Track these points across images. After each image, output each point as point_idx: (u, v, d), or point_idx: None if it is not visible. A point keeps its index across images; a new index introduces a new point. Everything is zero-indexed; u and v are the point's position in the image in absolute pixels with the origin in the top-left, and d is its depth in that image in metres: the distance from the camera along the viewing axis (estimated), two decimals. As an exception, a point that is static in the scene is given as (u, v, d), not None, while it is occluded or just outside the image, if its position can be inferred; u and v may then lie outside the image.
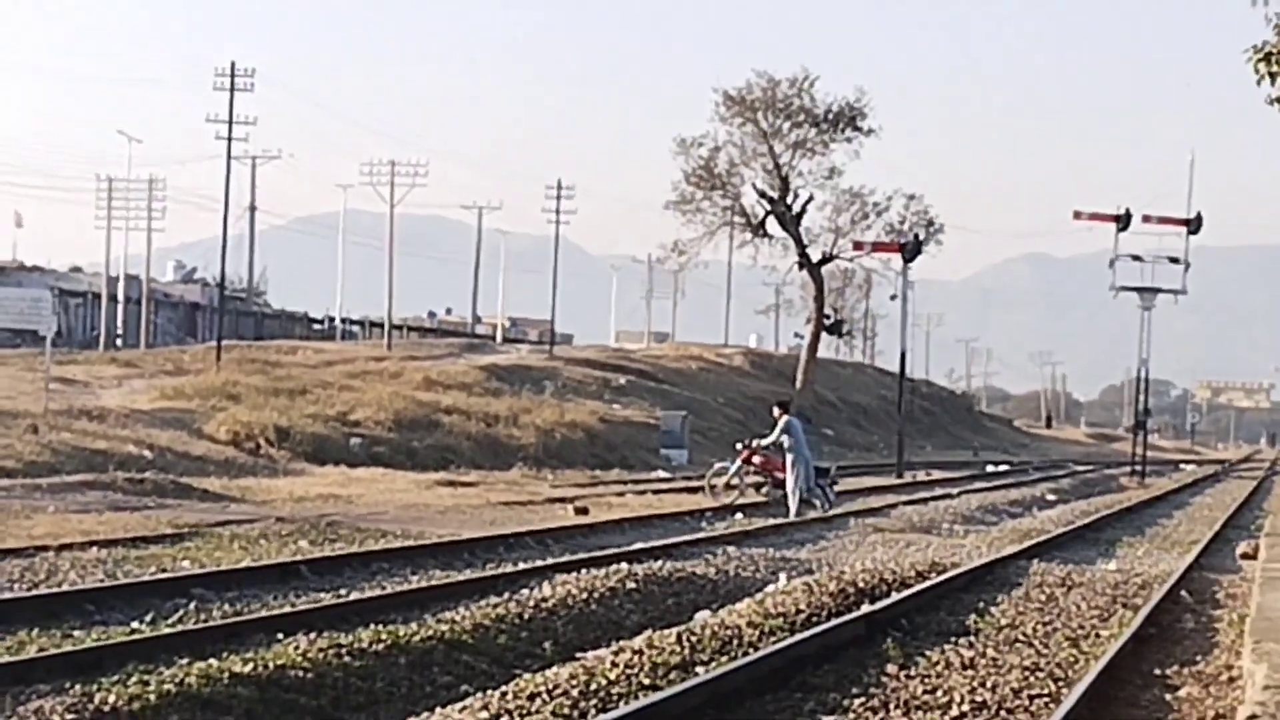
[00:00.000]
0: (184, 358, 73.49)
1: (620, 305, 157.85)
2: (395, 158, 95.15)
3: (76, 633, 15.07)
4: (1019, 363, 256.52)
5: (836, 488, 38.00)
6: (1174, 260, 69.68)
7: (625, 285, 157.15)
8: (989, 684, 13.65)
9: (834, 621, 16.46)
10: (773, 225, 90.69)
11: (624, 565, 20.54)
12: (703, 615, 17.13)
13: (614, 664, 13.60)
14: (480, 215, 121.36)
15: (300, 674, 13.07)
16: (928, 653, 15.25)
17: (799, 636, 15.27)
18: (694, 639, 15.01)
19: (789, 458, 34.50)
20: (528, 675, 13.19)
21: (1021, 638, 16.57)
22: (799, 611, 17.29)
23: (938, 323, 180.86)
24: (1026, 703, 13.04)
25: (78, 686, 12.02)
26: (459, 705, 11.94)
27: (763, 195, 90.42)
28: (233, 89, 79.70)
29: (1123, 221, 68.50)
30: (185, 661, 13.01)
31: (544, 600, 17.42)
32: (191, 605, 16.88)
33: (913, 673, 14.14)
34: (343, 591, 18.60)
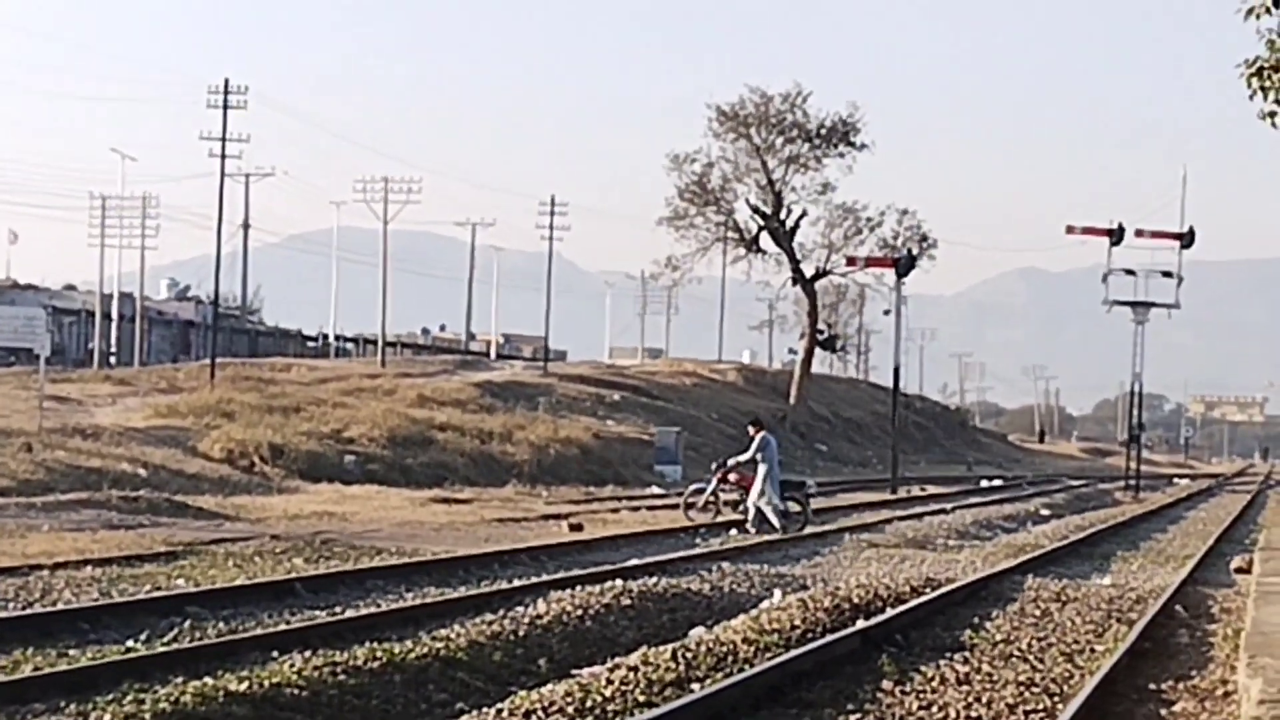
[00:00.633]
0: (178, 375, 73.43)
1: (614, 321, 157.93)
2: (389, 175, 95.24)
3: (71, 652, 15.05)
4: (1012, 377, 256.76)
5: (814, 504, 37.71)
6: (1167, 274, 69.73)
7: (619, 301, 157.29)
8: (984, 699, 13.66)
9: (829, 637, 16.45)
10: (766, 241, 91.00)
11: (619, 582, 20.53)
12: (698, 632, 17.12)
13: (609, 681, 13.59)
14: (474, 232, 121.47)
15: (295, 692, 13.06)
16: (923, 668, 15.25)
17: (794, 653, 15.27)
18: (689, 655, 15.01)
19: (761, 470, 34.39)
20: (523, 693, 13.18)
21: (1016, 653, 16.57)
22: (794, 627, 17.29)
23: (931, 338, 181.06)
24: (1022, 718, 13.05)
25: (73, 706, 12.01)
26: (454, 723, 11.92)
27: (756, 211, 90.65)
28: (226, 106, 79.70)
29: (1116, 236, 68.53)
30: (180, 680, 12.99)
31: (539, 617, 17.41)
32: (186, 624, 16.86)
33: (908, 688, 14.14)
34: (338, 609, 18.58)
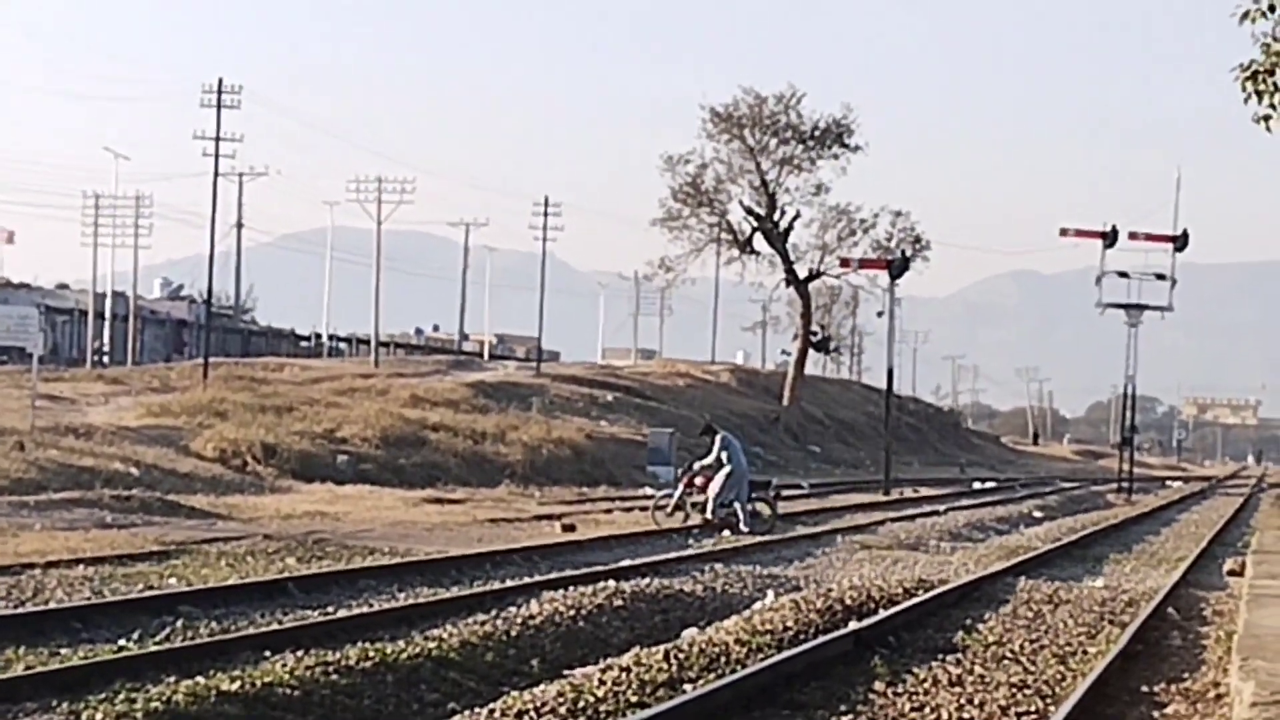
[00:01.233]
0: (171, 375, 73.44)
1: (607, 322, 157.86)
2: (382, 175, 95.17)
3: (63, 651, 15.04)
4: (1005, 379, 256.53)
5: (780, 505, 37.70)
6: (1161, 277, 69.74)
7: (612, 302, 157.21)
8: (976, 701, 13.66)
9: (822, 639, 16.46)
10: (760, 242, 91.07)
11: (611, 582, 20.54)
12: (690, 632, 17.12)
13: (602, 682, 13.59)
14: (467, 232, 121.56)
15: (288, 692, 13.05)
16: (915, 670, 15.25)
17: (786, 654, 15.28)
18: (682, 656, 15.01)
19: (724, 471, 34.42)
20: (515, 693, 13.17)
21: (1009, 655, 16.57)
22: (786, 629, 17.29)
23: (924, 339, 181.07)
24: (1014, 720, 13.05)
25: (65, 705, 12.01)
26: (447, 723, 11.92)
27: (749, 212, 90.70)
28: (220, 105, 79.77)
29: (1109, 238, 68.55)
30: (172, 680, 12.98)
31: (531, 618, 17.40)
32: (179, 623, 16.86)
33: (900, 690, 14.14)
34: (330, 609, 18.58)
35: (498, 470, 55.17)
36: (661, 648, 15.36)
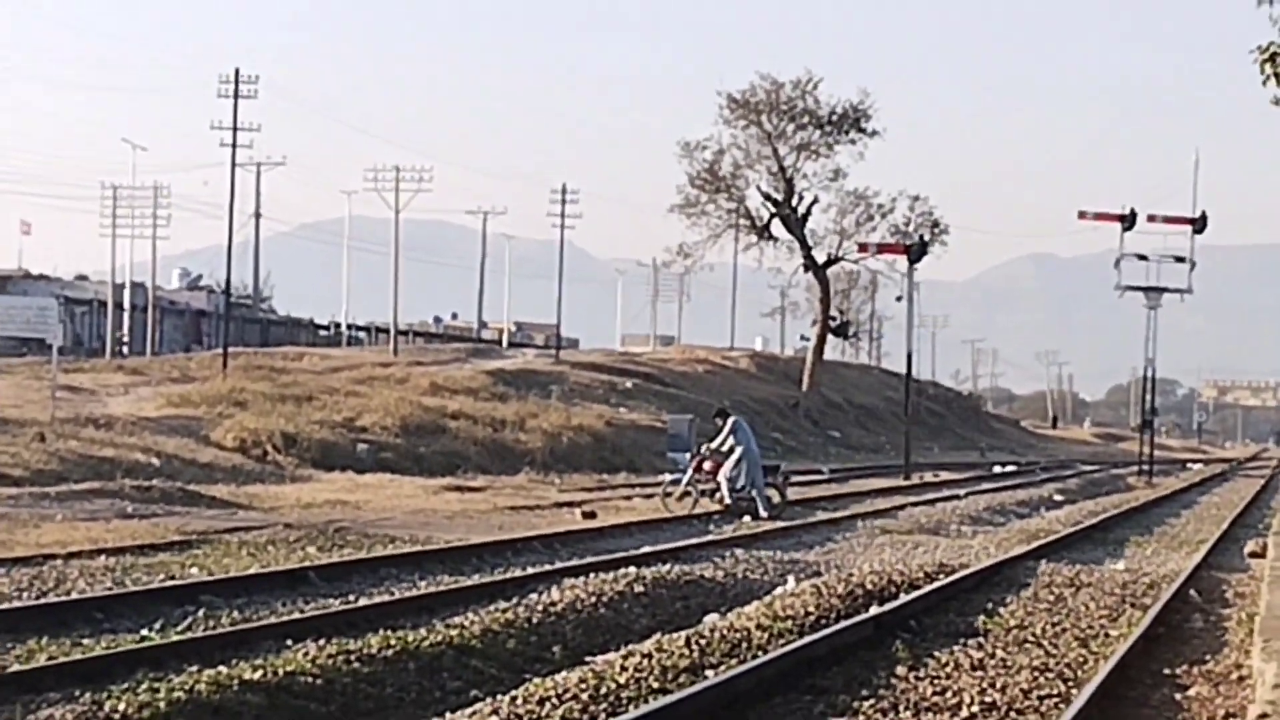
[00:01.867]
0: (190, 365, 73.52)
1: (626, 309, 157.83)
2: (400, 163, 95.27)
3: (85, 641, 15.07)
4: (1025, 363, 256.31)
5: (790, 489, 37.77)
6: (1180, 259, 69.49)
7: (630, 289, 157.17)
8: (998, 685, 13.65)
9: (843, 623, 16.46)
10: (778, 228, 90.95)
11: (632, 569, 20.57)
12: (711, 618, 17.13)
13: (623, 668, 13.60)
14: (485, 220, 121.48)
15: (310, 680, 13.08)
16: (937, 654, 15.25)
17: (808, 639, 15.28)
18: (703, 642, 15.01)
19: (734, 456, 34.46)
20: (537, 680, 13.19)
21: (1030, 638, 16.56)
22: (808, 614, 17.29)
23: (943, 324, 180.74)
24: (1036, 703, 13.04)
25: (88, 695, 12.03)
26: (469, 710, 11.94)
27: (767, 198, 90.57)
28: (237, 95, 79.84)
29: (1128, 221, 68.31)
30: (195, 669, 13.02)
31: (552, 605, 17.42)
32: (200, 612, 16.89)
33: (922, 674, 14.13)
34: (351, 597, 18.59)
35: (518, 458, 55.16)
36: (683, 634, 15.37)
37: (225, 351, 73.61)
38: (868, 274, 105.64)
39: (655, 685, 13.21)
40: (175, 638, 15.08)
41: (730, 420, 35.28)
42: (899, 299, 71.29)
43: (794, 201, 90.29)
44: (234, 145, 79.27)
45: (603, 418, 66.87)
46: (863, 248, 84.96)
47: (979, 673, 14.27)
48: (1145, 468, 68.77)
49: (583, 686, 12.72)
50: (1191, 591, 21.06)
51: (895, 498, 43.64)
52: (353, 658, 13.82)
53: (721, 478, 34.59)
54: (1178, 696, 13.82)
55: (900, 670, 14.25)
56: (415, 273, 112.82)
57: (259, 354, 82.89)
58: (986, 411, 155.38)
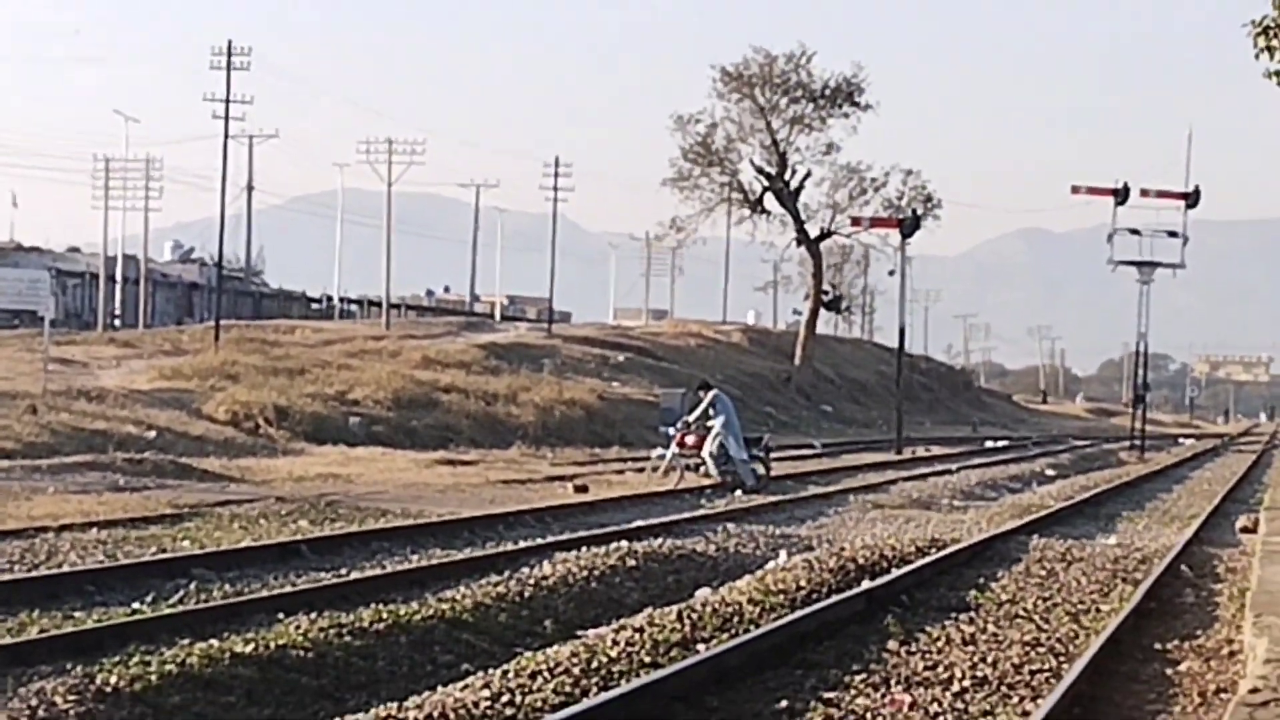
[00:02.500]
0: (182, 338, 73.43)
1: (618, 283, 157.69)
2: (392, 136, 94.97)
3: (77, 614, 15.08)
4: (1017, 338, 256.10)
5: (773, 460, 37.85)
6: (1172, 234, 69.53)
7: (623, 263, 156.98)
8: (990, 659, 13.67)
9: (834, 598, 16.47)
10: (771, 201, 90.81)
11: (624, 543, 20.59)
12: (703, 593, 17.14)
13: (615, 642, 13.60)
14: (478, 193, 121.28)
15: (301, 653, 13.08)
16: (928, 628, 15.26)
17: (800, 613, 15.29)
18: (695, 616, 15.02)
19: (714, 428, 34.52)
20: (529, 654, 13.20)
21: (1022, 613, 16.58)
22: (799, 588, 17.29)
23: (936, 298, 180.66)
24: (1027, 678, 13.05)
25: (79, 667, 12.03)
26: (460, 684, 11.93)
27: (760, 171, 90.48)
28: (229, 68, 79.49)
29: (1121, 196, 68.32)
30: (186, 642, 13.01)
31: (544, 578, 17.43)
32: (192, 585, 16.89)
33: (913, 648, 14.15)
34: (343, 571, 18.60)
35: (510, 431, 55.16)
36: (674, 608, 15.37)
37: (217, 324, 73.47)
38: (860, 248, 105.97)
39: (646, 659, 13.21)
40: (167, 611, 15.07)
41: (710, 394, 35.32)
42: (891, 273, 71.48)
43: (787, 175, 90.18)
44: (226, 118, 78.98)
45: (595, 392, 66.82)
46: (855, 222, 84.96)
47: (970, 647, 14.28)
48: (1137, 443, 68.83)
49: (574, 660, 12.73)
50: (1183, 566, 21.08)
51: (887, 472, 43.67)
52: (344, 631, 13.82)
53: (705, 453, 34.64)
54: (1169, 671, 13.83)
55: (892, 645, 14.27)
56: (408, 246, 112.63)
57: (251, 327, 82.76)
58: (979, 386, 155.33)
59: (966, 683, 12.69)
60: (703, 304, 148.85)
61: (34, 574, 17.35)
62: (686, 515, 27.41)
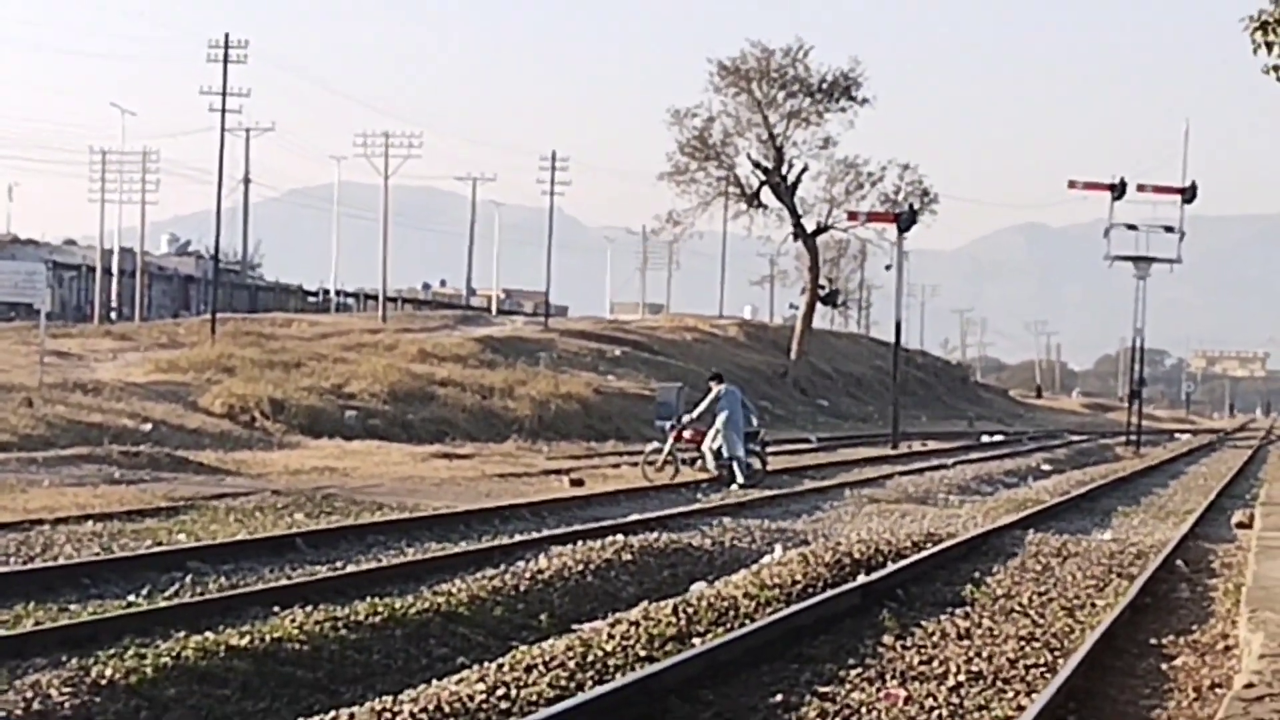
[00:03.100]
0: (178, 330, 73.45)
1: (615, 277, 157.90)
2: (389, 130, 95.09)
3: (72, 606, 15.05)
4: (1014, 332, 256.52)
5: (769, 454, 37.84)
6: (1169, 229, 69.49)
7: (620, 257, 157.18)
8: (985, 654, 13.66)
9: (830, 592, 16.46)
10: (767, 196, 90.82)
11: (620, 537, 20.57)
12: (699, 587, 17.14)
13: (610, 636, 13.60)
14: (474, 187, 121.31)
15: (297, 647, 13.06)
16: (924, 623, 15.26)
17: (795, 607, 15.27)
18: (690, 610, 15.01)
19: (718, 421, 34.52)
20: (524, 647, 13.19)
21: (1018, 608, 16.57)
22: (795, 582, 17.29)
23: (932, 293, 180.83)
24: (1023, 673, 13.04)
25: (74, 660, 12.01)
26: (456, 677, 11.93)
27: (757, 165, 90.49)
28: (226, 61, 79.48)
29: (1118, 190, 68.32)
30: (182, 635, 13.00)
31: (540, 572, 17.42)
32: (187, 578, 16.88)
33: (909, 643, 14.14)
34: (339, 564, 18.58)
35: (506, 425, 55.15)
36: (670, 602, 15.36)
37: (214, 317, 73.48)
38: (857, 243, 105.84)
39: (642, 653, 13.21)
40: (162, 604, 15.06)
41: (719, 388, 35.24)
42: (888, 268, 71.40)
43: (784, 169, 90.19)
44: (223, 110, 78.98)
45: (591, 385, 66.85)
46: (852, 216, 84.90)
47: (966, 642, 14.28)
48: (1133, 438, 68.84)
49: (570, 654, 12.72)
50: (1178, 561, 21.08)
51: (883, 467, 43.66)
52: (340, 624, 13.81)
53: (705, 447, 34.64)
54: (1164, 666, 13.83)
55: (887, 639, 14.26)
56: (404, 239, 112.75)
57: (247, 320, 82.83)
58: (975, 381, 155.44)
59: (962, 677, 12.68)
60: (699, 298, 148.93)
61: (29, 567, 17.33)
62: (682, 509, 27.40)
